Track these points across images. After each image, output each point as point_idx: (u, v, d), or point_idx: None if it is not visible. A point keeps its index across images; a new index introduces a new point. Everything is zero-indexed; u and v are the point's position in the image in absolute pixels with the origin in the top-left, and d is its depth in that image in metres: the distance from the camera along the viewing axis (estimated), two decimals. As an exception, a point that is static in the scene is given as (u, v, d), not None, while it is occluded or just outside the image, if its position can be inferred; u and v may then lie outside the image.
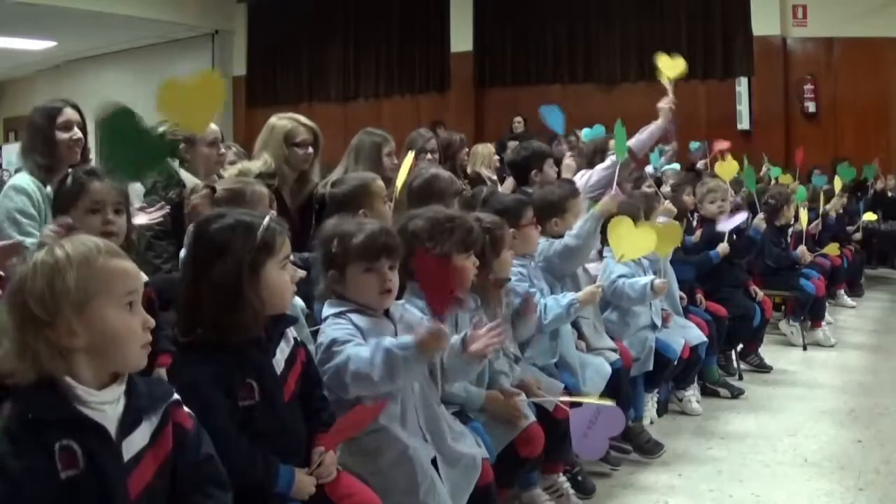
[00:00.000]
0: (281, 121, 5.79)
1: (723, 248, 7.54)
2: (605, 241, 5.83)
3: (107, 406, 2.42)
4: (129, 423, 2.47)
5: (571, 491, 5.07)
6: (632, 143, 7.23)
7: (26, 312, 2.33)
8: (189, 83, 4.28)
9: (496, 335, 3.60)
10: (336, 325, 3.61)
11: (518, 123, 15.96)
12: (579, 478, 5.23)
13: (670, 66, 7.51)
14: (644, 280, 6.01)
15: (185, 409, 2.69)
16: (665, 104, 7.41)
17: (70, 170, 4.14)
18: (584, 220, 5.58)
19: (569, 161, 7.78)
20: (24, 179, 4.94)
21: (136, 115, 4.03)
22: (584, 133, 8.25)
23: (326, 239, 3.75)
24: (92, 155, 5.39)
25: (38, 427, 2.31)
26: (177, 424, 2.63)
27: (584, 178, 7.45)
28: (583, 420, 4.11)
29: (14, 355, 2.34)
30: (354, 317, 3.64)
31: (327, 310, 3.70)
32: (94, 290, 2.38)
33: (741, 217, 7.73)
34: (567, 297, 5.03)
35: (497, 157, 9.70)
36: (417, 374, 3.63)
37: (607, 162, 7.36)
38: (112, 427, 2.43)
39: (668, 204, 7.24)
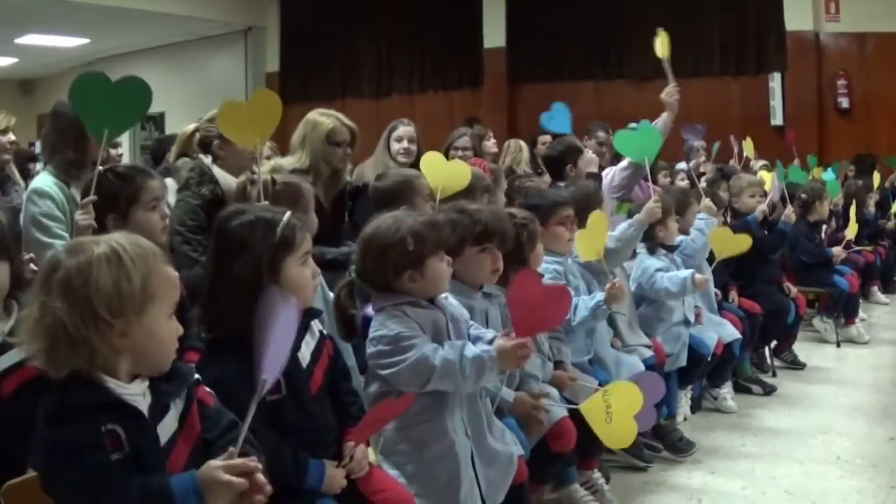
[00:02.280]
0: (322, 117, 5.77)
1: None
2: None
3: (137, 398, 2.44)
4: (158, 411, 2.48)
5: (606, 487, 5.07)
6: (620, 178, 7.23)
7: (90, 308, 2.32)
8: (247, 104, 4.58)
9: (525, 353, 3.59)
10: (396, 320, 3.60)
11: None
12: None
13: (664, 45, 7.35)
14: (684, 273, 6.01)
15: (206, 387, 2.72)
16: (670, 97, 7.37)
17: (101, 169, 4.13)
18: (629, 225, 5.59)
19: (590, 155, 7.72)
20: (46, 182, 4.87)
21: (104, 74, 4.14)
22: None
23: (397, 240, 3.68)
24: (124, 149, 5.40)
25: (79, 413, 2.32)
26: (200, 401, 2.65)
27: (608, 178, 7.44)
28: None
29: (66, 348, 2.31)
30: (409, 309, 3.64)
31: (378, 303, 3.70)
32: (152, 297, 2.40)
33: None
34: (595, 297, 5.02)
35: (527, 154, 9.68)
36: (493, 379, 3.66)
37: (625, 162, 7.33)
38: (146, 414, 2.45)
39: (707, 202, 7.19)
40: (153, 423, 2.46)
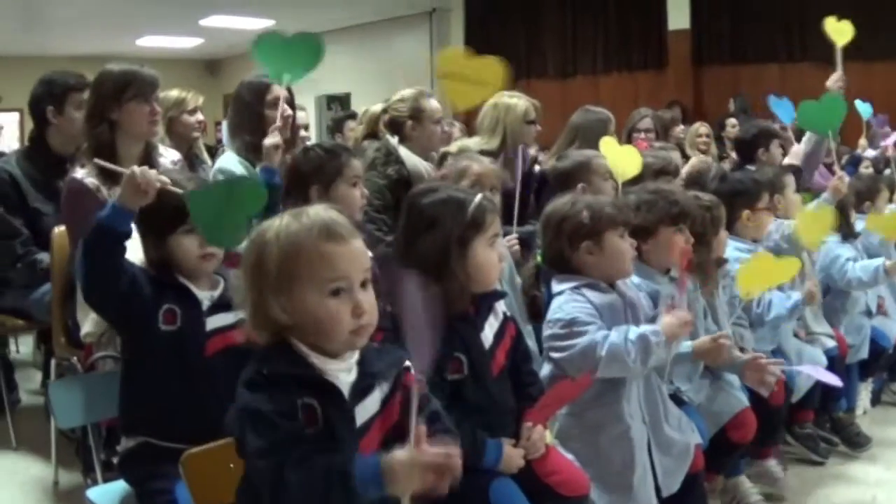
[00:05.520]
0: (513, 100, 5.95)
1: None
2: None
3: (340, 373, 2.44)
4: (361, 389, 2.47)
5: (781, 475, 5.03)
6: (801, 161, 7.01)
7: (260, 284, 2.39)
8: (470, 59, 4.52)
9: (688, 323, 3.63)
10: (575, 303, 3.66)
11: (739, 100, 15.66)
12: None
13: (839, 32, 6.87)
14: (876, 262, 5.86)
15: (414, 373, 2.61)
16: (834, 85, 7.02)
17: (309, 144, 4.31)
18: (816, 206, 5.49)
19: (797, 148, 7.54)
20: (232, 161, 4.97)
21: (277, 32, 4.64)
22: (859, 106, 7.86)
23: (574, 213, 3.78)
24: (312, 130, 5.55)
25: (277, 382, 2.33)
26: (406, 389, 2.56)
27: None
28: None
29: (255, 322, 2.41)
30: (588, 293, 3.69)
31: (559, 285, 3.75)
32: (296, 277, 2.38)
33: None
34: (792, 297, 4.93)
35: (706, 138, 9.60)
36: (662, 358, 3.69)
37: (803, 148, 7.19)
38: (345, 392, 2.44)
39: None
40: (353, 401, 2.45)
